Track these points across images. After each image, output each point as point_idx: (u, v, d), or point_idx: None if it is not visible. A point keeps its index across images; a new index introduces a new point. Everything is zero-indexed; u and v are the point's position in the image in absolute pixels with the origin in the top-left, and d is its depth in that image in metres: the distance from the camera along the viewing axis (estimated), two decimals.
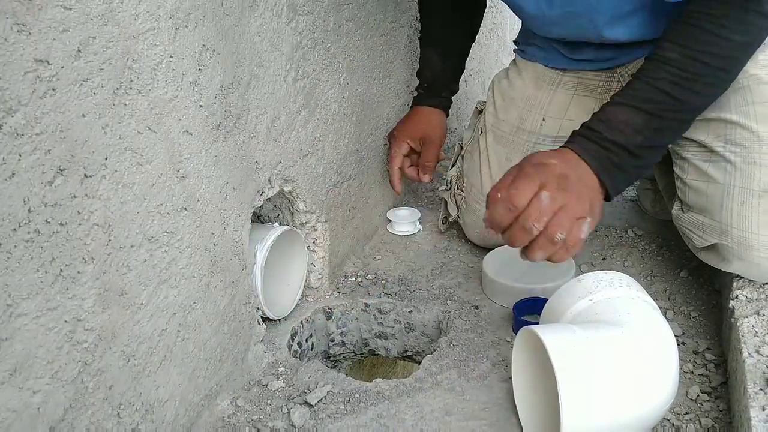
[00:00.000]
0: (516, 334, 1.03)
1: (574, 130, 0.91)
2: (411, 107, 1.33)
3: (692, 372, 0.93)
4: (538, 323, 0.98)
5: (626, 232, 1.31)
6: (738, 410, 0.80)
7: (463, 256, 1.27)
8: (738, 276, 0.98)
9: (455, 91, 1.35)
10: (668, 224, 1.23)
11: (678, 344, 0.81)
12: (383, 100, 1.33)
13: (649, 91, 0.87)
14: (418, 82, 1.32)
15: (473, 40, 1.37)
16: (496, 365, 0.96)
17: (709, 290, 1.11)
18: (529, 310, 1.06)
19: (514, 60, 1.30)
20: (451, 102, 1.35)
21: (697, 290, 1.12)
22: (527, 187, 0.80)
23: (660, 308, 0.87)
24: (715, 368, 0.94)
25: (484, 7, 1.35)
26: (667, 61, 0.87)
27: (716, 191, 0.98)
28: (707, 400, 0.88)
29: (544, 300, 1.06)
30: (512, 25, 2.13)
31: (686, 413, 0.86)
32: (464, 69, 1.37)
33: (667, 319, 0.97)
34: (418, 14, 1.36)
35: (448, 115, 1.34)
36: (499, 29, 2.05)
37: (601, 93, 1.16)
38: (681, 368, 0.92)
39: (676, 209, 1.07)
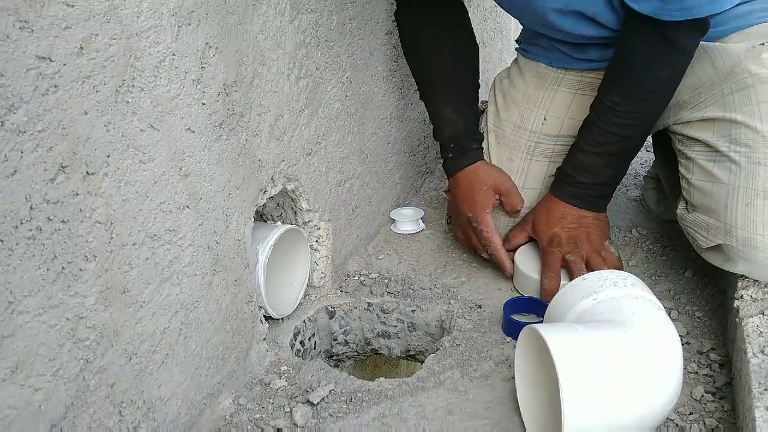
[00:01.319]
0: (506, 333, 1.02)
1: (555, 177, 1.11)
2: (449, 177, 1.20)
3: (696, 372, 0.93)
4: (527, 322, 0.98)
5: (630, 231, 1.30)
6: (743, 411, 0.79)
7: (467, 255, 1.26)
8: (743, 276, 0.97)
9: (481, 138, 1.22)
10: (673, 224, 1.22)
11: (682, 344, 0.81)
12: (387, 98, 1.32)
13: (603, 135, 1.04)
14: (439, 141, 1.22)
15: (478, 72, 1.27)
16: (499, 365, 0.96)
17: (714, 290, 1.11)
18: (519, 309, 1.06)
19: (516, 59, 1.30)
20: (482, 147, 1.21)
21: (702, 290, 1.12)
22: (555, 264, 1.08)
23: (664, 308, 0.87)
24: (720, 368, 0.93)
25: (472, 35, 1.26)
26: (612, 105, 1.02)
27: (721, 192, 0.98)
28: (711, 401, 0.87)
29: (534, 299, 1.07)
30: (516, 24, 2.13)
31: (690, 413, 0.85)
32: (479, 111, 1.26)
33: (672, 318, 0.97)
34: (408, 64, 1.24)
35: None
36: (503, 29, 2.05)
37: None
38: (685, 368, 0.92)
39: (681, 209, 1.07)
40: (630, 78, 1.01)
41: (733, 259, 0.97)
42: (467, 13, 1.24)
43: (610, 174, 1.08)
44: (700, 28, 0.96)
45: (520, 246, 1.16)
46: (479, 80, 1.26)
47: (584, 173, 1.07)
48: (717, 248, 0.99)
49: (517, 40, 1.31)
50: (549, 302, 0.95)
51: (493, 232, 1.15)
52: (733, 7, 1.00)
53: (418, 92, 1.25)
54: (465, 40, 1.23)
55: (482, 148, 1.21)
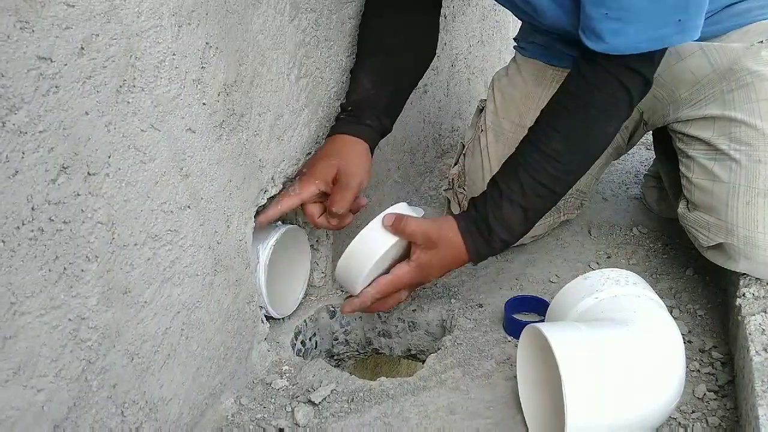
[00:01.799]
0: (508, 332, 1.02)
1: (473, 214, 0.95)
2: (327, 136, 1.05)
3: (699, 370, 0.93)
4: (528, 321, 0.98)
5: (631, 230, 1.30)
6: (745, 409, 0.79)
7: None
8: (744, 274, 0.97)
9: (387, 127, 1.07)
10: (673, 222, 1.22)
11: (684, 342, 0.81)
12: None
13: (534, 187, 0.93)
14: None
15: (424, 68, 1.16)
16: (500, 364, 0.96)
17: (715, 288, 1.11)
18: (520, 308, 1.06)
19: (514, 57, 1.30)
20: (380, 136, 1.06)
21: (704, 288, 1.12)
22: (392, 300, 0.99)
23: (666, 306, 0.87)
24: (722, 366, 0.93)
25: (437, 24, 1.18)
26: (552, 153, 0.92)
27: (722, 190, 0.98)
28: (714, 399, 0.87)
29: (535, 298, 1.07)
30: (515, 22, 2.13)
31: (693, 412, 0.86)
32: (403, 106, 1.12)
33: (673, 317, 0.96)
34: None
35: (373, 152, 1.05)
36: (502, 27, 2.04)
37: None
38: (687, 367, 0.92)
39: (682, 208, 1.07)
40: (577, 127, 0.93)
41: (734, 257, 0.97)
42: (438, 17, 1.18)
43: (520, 233, 0.97)
44: (655, 63, 0.91)
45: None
46: (416, 83, 1.16)
47: (505, 230, 0.94)
48: (718, 247, 1.00)
49: (515, 38, 1.31)
50: (346, 312, 0.97)
51: (295, 197, 0.97)
52: (731, 5, 1.00)
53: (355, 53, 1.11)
54: (426, 43, 1.15)
55: (379, 135, 1.06)
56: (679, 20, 0.82)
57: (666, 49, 0.90)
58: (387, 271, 0.96)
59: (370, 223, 0.94)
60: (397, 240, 0.94)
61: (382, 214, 0.94)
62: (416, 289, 1.01)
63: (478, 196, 0.98)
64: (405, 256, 0.97)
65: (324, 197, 0.99)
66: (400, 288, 0.97)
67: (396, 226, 0.93)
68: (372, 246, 0.93)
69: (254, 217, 0.92)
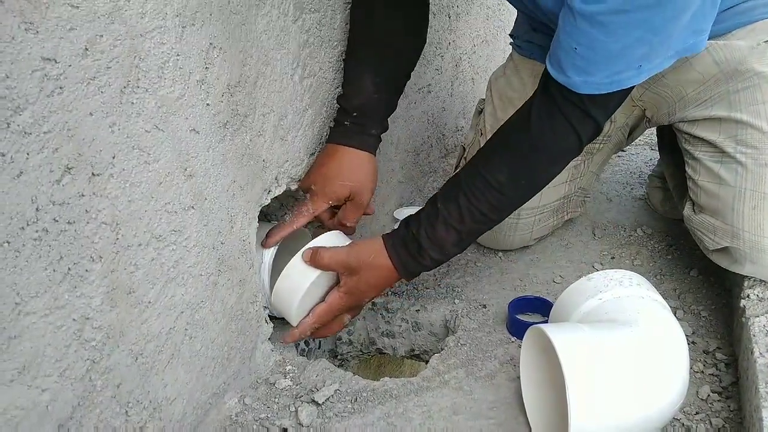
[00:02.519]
0: (511, 332, 1.02)
1: (402, 232, 0.95)
2: (328, 142, 1.04)
3: (703, 371, 0.93)
4: (532, 322, 0.98)
5: (635, 230, 1.30)
6: (749, 410, 0.79)
7: (471, 255, 1.26)
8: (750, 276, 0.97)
9: (386, 128, 1.08)
10: (677, 223, 1.22)
11: (688, 343, 0.81)
12: None
13: (471, 213, 0.92)
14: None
15: (418, 57, 1.15)
16: (504, 364, 0.96)
17: (720, 289, 1.11)
18: (524, 308, 1.06)
19: (511, 55, 1.28)
20: (380, 141, 1.07)
21: (708, 289, 1.11)
22: (334, 327, 1.00)
23: (670, 307, 0.87)
24: (726, 368, 0.93)
25: (425, 29, 1.15)
26: (496, 185, 0.91)
27: (727, 194, 0.97)
28: (718, 400, 0.87)
29: (539, 299, 1.07)
30: None
31: (696, 413, 0.85)
32: (396, 107, 1.12)
33: (677, 318, 0.96)
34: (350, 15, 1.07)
35: (374, 153, 1.06)
36: (507, 27, 2.04)
37: None
38: (691, 368, 0.92)
39: (687, 210, 1.06)
40: (525, 165, 0.92)
41: (740, 261, 0.96)
42: (428, 4, 1.14)
43: (454, 253, 0.97)
44: (610, 108, 0.90)
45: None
46: (410, 75, 1.13)
47: (437, 249, 0.94)
48: (724, 250, 0.99)
49: (511, 34, 1.29)
50: (288, 342, 0.98)
51: (306, 214, 1.01)
52: (735, 5, 1.00)
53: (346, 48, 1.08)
54: (417, 30, 1.12)
55: (379, 140, 1.07)
56: (640, 66, 0.82)
57: (624, 97, 0.89)
58: (324, 299, 0.98)
59: (292, 260, 0.95)
60: (320, 273, 0.95)
61: (302, 250, 0.95)
62: (360, 309, 1.01)
63: (414, 214, 0.97)
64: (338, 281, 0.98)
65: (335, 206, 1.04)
66: (336, 314, 0.98)
67: (313, 260, 0.94)
68: (296, 283, 0.95)
69: (257, 219, 0.93)
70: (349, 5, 1.07)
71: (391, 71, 1.07)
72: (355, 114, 1.03)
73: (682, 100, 1.06)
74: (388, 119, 1.08)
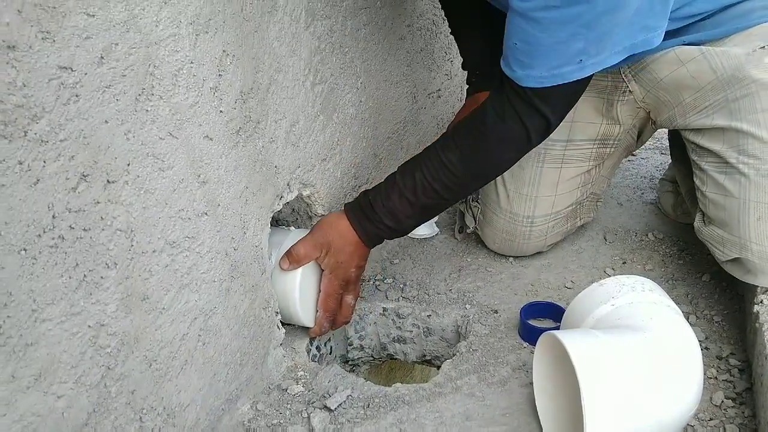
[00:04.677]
0: (523, 338, 1.02)
1: (359, 203, 1.01)
2: (469, 95, 1.23)
3: (716, 377, 0.92)
4: (544, 327, 0.97)
5: (647, 235, 1.30)
6: (764, 417, 0.78)
7: (482, 259, 1.26)
8: None
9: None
10: (689, 227, 1.21)
11: (701, 349, 0.80)
12: (400, 103, 1.32)
13: (424, 190, 0.97)
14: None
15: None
16: (516, 370, 0.95)
17: (733, 294, 1.10)
18: (535, 314, 1.05)
19: None
20: None
21: (720, 294, 1.11)
22: (334, 305, 1.03)
23: (683, 313, 0.86)
24: (740, 374, 0.92)
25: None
26: (448, 165, 0.96)
27: (733, 205, 0.97)
28: (732, 406, 0.87)
29: (551, 304, 1.06)
30: None
31: (710, 419, 0.85)
32: None
33: (690, 323, 0.96)
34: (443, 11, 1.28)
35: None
36: None
37: (608, 93, 1.15)
38: (705, 374, 0.91)
39: (698, 222, 1.06)
40: (476, 148, 0.96)
41: (753, 271, 0.96)
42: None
43: (409, 225, 1.02)
44: (566, 98, 0.93)
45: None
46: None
47: (390, 217, 0.99)
48: (736, 260, 0.99)
49: None
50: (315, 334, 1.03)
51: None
52: (732, 5, 0.99)
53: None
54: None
55: None
56: (580, 60, 0.85)
57: (576, 93, 0.93)
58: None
59: (273, 273, 0.98)
60: (300, 271, 0.98)
61: (277, 263, 0.99)
62: (354, 285, 1.04)
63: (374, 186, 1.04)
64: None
65: None
66: (335, 295, 1.02)
67: (292, 261, 0.97)
68: (287, 291, 0.98)
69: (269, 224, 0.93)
70: (360, 12, 1.08)
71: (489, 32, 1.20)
72: (477, 72, 1.21)
73: (680, 106, 1.06)
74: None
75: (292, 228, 1.05)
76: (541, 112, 0.91)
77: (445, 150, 0.97)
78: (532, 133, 0.93)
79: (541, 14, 0.81)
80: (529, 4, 0.81)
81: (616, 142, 1.20)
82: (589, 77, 0.90)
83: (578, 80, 0.88)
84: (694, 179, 1.06)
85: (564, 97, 0.92)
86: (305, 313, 0.99)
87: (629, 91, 1.13)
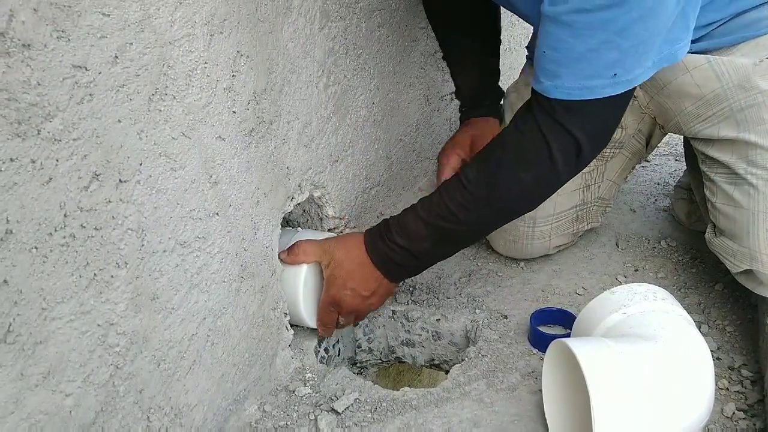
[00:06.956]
0: (532, 344, 1.01)
1: (376, 226, 0.99)
2: (462, 123, 1.25)
3: (728, 388, 0.91)
4: (554, 334, 0.97)
5: (659, 243, 1.29)
6: None
7: (492, 264, 1.25)
8: None
9: (501, 95, 1.27)
10: (702, 236, 1.20)
11: (713, 360, 0.79)
12: (413, 105, 1.32)
13: (439, 207, 0.94)
14: (451, 89, 1.26)
15: (498, 48, 1.30)
16: (525, 377, 0.95)
17: (745, 304, 1.09)
18: (546, 320, 1.05)
19: (525, 68, 1.28)
20: (501, 106, 1.26)
21: (733, 304, 1.10)
22: (330, 318, 1.01)
23: (694, 322, 0.85)
24: (752, 385, 0.91)
25: (498, 21, 1.29)
26: (465, 181, 0.92)
27: (742, 217, 0.96)
28: (743, 418, 0.86)
29: (561, 311, 1.05)
30: None
31: (721, 431, 0.84)
32: (500, 72, 1.30)
33: (702, 333, 0.95)
34: (434, 34, 1.30)
35: (501, 120, 1.23)
36: (530, 36, 2.03)
37: None
38: (716, 385, 0.90)
39: (709, 233, 1.05)
40: (496, 163, 0.91)
41: (765, 283, 0.95)
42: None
43: (425, 250, 0.97)
44: (587, 121, 0.87)
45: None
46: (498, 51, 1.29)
47: (403, 235, 0.95)
48: (748, 272, 0.98)
49: (527, 46, 1.29)
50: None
51: (446, 168, 1.15)
52: (741, 13, 0.98)
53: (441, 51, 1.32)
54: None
55: (500, 105, 1.25)
56: (615, 74, 0.80)
57: (611, 114, 0.88)
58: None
59: (282, 274, 0.97)
60: (305, 270, 0.97)
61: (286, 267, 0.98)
62: (349, 310, 1.00)
63: None
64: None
65: None
66: (327, 309, 1.00)
67: (290, 254, 0.96)
68: (292, 295, 0.97)
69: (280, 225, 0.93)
70: (375, 13, 1.07)
71: (486, 62, 1.27)
72: (468, 101, 1.25)
73: (682, 113, 1.05)
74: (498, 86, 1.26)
75: (299, 229, 1.05)
76: (566, 128, 0.85)
77: (465, 167, 0.94)
78: (555, 151, 0.86)
79: (572, 17, 0.77)
80: (560, 7, 0.77)
81: (618, 145, 1.19)
82: (627, 97, 0.85)
83: (612, 98, 0.82)
84: (705, 190, 1.05)
85: (595, 115, 0.85)
86: (308, 314, 0.99)
87: (633, 96, 1.12)
